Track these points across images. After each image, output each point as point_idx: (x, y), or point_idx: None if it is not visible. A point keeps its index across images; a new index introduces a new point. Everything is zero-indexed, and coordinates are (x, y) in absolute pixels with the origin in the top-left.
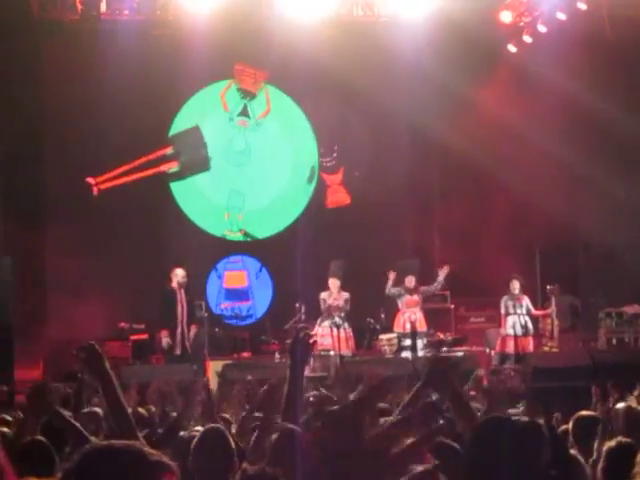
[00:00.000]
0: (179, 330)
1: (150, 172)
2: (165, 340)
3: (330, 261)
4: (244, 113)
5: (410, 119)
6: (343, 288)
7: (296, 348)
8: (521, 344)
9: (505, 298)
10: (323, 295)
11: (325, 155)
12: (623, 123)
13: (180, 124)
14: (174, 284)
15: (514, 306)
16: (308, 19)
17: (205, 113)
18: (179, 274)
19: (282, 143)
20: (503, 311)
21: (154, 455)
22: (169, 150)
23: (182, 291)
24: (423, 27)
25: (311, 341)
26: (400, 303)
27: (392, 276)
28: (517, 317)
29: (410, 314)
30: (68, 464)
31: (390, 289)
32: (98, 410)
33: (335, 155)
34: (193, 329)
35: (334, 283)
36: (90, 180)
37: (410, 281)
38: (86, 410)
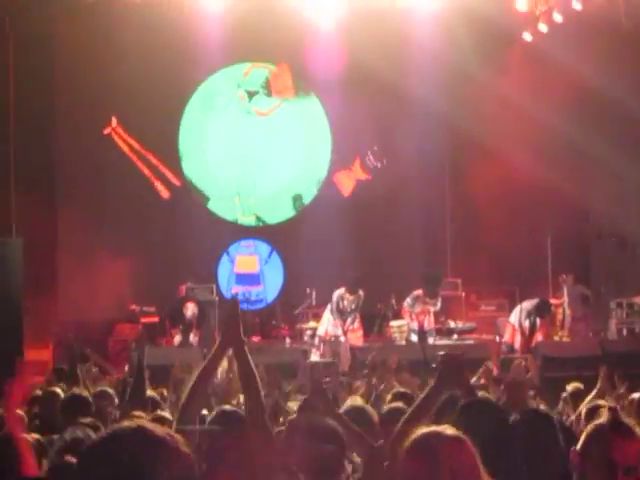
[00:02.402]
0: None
1: (150, 176)
2: (177, 338)
3: (340, 247)
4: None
5: (425, 105)
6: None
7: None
8: (529, 341)
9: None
10: (337, 297)
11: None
12: (637, 110)
13: (194, 106)
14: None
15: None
16: (321, 6)
17: (219, 96)
18: (189, 311)
19: (296, 130)
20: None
21: (173, 439)
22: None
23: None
24: (440, 14)
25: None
26: (412, 309)
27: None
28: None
29: (419, 314)
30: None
31: (405, 305)
32: (109, 390)
33: (373, 151)
34: (197, 335)
35: (353, 296)
36: (110, 127)
37: (429, 301)
38: (99, 389)
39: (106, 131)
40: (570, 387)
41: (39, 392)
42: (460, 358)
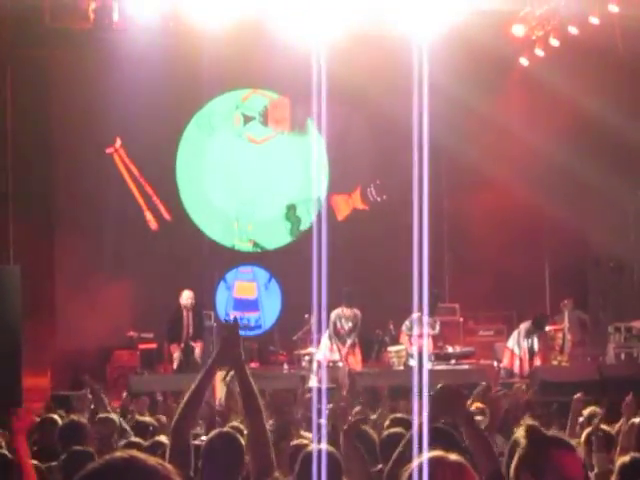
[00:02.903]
0: (182, 345)
1: (142, 205)
2: (176, 355)
3: (338, 273)
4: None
5: (422, 132)
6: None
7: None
8: (525, 367)
9: (517, 334)
10: (334, 317)
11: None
12: (635, 136)
13: (191, 134)
14: (182, 309)
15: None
16: (320, 34)
17: (216, 117)
18: (184, 297)
19: (292, 155)
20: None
21: (164, 469)
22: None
23: (190, 313)
24: (435, 40)
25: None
26: (411, 332)
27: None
28: (526, 340)
29: (417, 338)
30: (91, 466)
31: (404, 329)
32: (114, 416)
33: (376, 185)
34: (198, 345)
35: (350, 312)
36: (113, 147)
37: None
38: (102, 415)
39: (108, 150)
40: (587, 411)
41: (37, 419)
42: (458, 390)
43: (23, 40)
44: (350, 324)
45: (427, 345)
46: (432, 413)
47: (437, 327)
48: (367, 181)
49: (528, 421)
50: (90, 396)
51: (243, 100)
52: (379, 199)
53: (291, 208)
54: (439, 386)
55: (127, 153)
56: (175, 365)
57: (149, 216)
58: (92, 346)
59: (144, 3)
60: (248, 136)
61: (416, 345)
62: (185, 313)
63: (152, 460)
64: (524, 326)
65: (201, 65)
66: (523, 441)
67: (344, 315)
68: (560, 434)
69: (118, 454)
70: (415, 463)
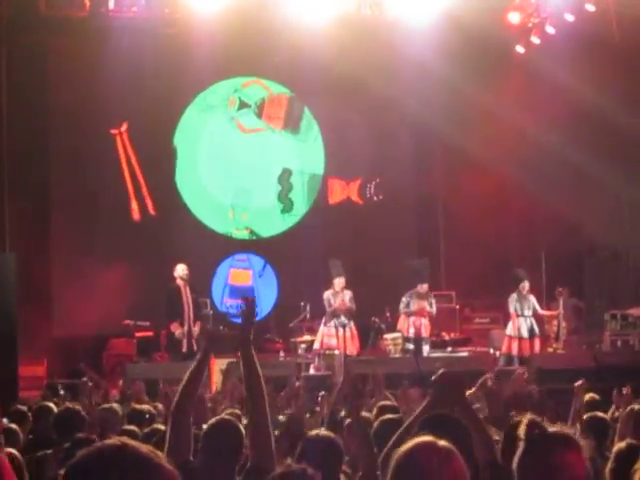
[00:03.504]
0: (185, 327)
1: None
2: (179, 332)
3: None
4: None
5: (417, 119)
6: (346, 286)
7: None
8: (526, 347)
9: (514, 298)
10: (327, 295)
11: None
12: (630, 124)
13: (187, 122)
14: (178, 281)
15: (522, 307)
16: (315, 18)
17: (212, 111)
18: (180, 269)
19: (288, 144)
20: (512, 310)
21: (156, 457)
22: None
23: (187, 287)
24: (431, 27)
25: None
26: (409, 308)
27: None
28: (524, 319)
29: (415, 319)
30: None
31: (401, 307)
32: (116, 406)
33: (376, 183)
34: (198, 326)
35: (340, 282)
36: (119, 129)
37: (423, 288)
38: (106, 406)
39: (113, 131)
40: (586, 397)
41: (33, 407)
42: (459, 376)
43: (19, 27)
44: (346, 298)
45: (424, 325)
46: (432, 400)
47: (434, 305)
48: (367, 173)
49: (529, 416)
50: (91, 384)
51: (243, 86)
52: (375, 198)
53: (286, 172)
54: (440, 372)
55: (130, 138)
56: (184, 347)
57: (134, 206)
58: (88, 334)
59: None
60: (237, 122)
61: (413, 327)
62: (182, 286)
63: (144, 447)
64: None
65: (198, 53)
66: (524, 438)
67: (336, 285)
68: (564, 430)
69: (110, 441)
70: (403, 448)
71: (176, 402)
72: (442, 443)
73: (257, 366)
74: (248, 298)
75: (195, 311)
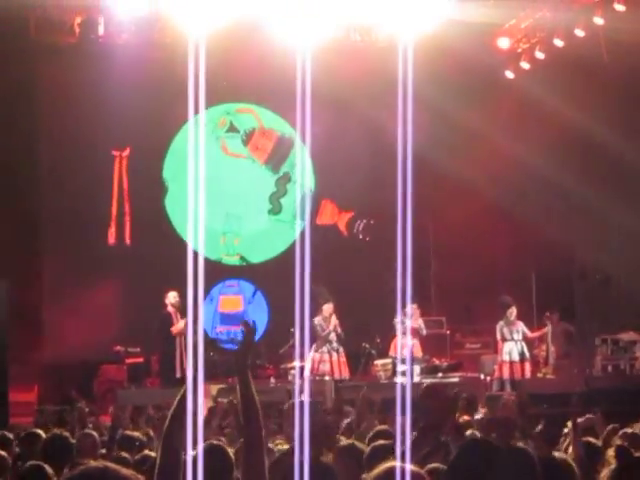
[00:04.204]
0: (178, 353)
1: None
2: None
3: (325, 286)
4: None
5: (405, 144)
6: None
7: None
8: (517, 370)
9: (501, 324)
10: (318, 321)
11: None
12: (619, 149)
13: (177, 147)
14: (169, 308)
15: (510, 332)
16: (305, 44)
17: (201, 138)
18: (171, 297)
19: (266, 178)
20: (499, 337)
21: (130, 476)
22: None
23: (178, 315)
24: (420, 52)
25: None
26: (400, 329)
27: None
28: (514, 343)
29: (407, 340)
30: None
31: (396, 323)
32: (94, 433)
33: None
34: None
35: (329, 308)
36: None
37: (412, 308)
38: (86, 431)
39: (115, 153)
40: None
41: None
42: (445, 392)
43: (8, 53)
44: (333, 322)
45: (415, 346)
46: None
47: (424, 329)
48: (360, 206)
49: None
50: (87, 409)
51: (237, 111)
52: (361, 236)
53: (285, 176)
54: (424, 386)
55: (128, 164)
56: (177, 372)
57: (112, 230)
58: (79, 360)
59: (129, 17)
60: (223, 143)
61: (407, 348)
62: (174, 313)
63: (125, 470)
64: (502, 323)
65: (188, 78)
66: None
67: (324, 312)
68: None
69: (93, 464)
70: (375, 471)
71: (166, 427)
72: (413, 468)
73: (254, 391)
74: (248, 323)
75: (186, 338)
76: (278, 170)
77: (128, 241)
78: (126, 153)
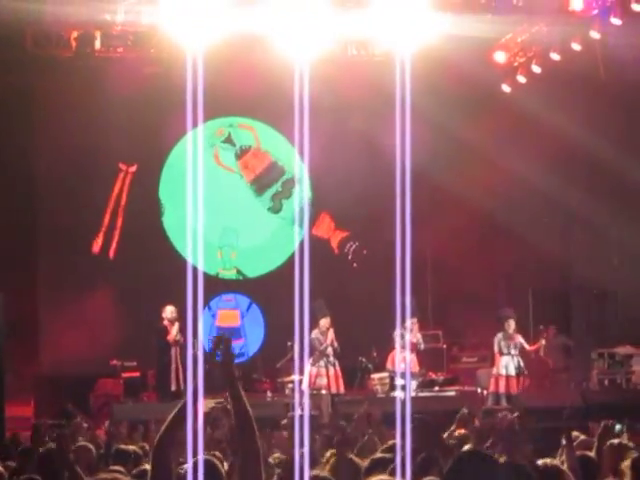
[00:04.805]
0: (173, 367)
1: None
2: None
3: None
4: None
5: (403, 158)
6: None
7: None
8: (513, 385)
9: (499, 337)
10: (316, 334)
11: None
12: (616, 162)
13: (174, 162)
14: (165, 322)
15: (508, 346)
16: (302, 58)
17: (199, 151)
18: (168, 311)
19: (284, 163)
20: (497, 349)
21: None
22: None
23: (174, 328)
24: (417, 66)
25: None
26: (400, 343)
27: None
28: (510, 357)
29: (405, 355)
30: None
31: (395, 336)
32: (90, 445)
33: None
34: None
35: (326, 322)
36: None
37: (411, 323)
38: (81, 444)
39: (122, 166)
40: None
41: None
42: (432, 421)
43: (4, 67)
44: (330, 335)
45: (412, 361)
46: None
47: (422, 343)
48: (355, 227)
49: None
50: (85, 425)
51: (238, 125)
52: (350, 257)
53: (291, 180)
54: (415, 417)
55: (131, 183)
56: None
57: (99, 240)
58: (75, 374)
59: (125, 31)
60: (216, 151)
61: (402, 363)
62: (170, 328)
63: None
64: (499, 336)
65: (185, 93)
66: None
67: (321, 327)
68: None
69: (102, 475)
70: None
71: (157, 440)
72: None
73: (245, 401)
74: (219, 338)
75: (181, 348)
76: (262, 193)
77: (112, 254)
78: (133, 169)
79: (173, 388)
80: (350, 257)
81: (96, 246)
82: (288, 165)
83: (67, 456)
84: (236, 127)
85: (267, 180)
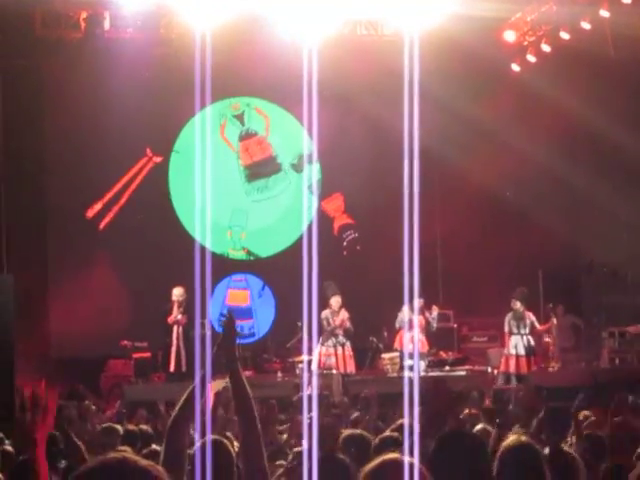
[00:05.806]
0: (174, 348)
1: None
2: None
3: (333, 281)
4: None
5: (412, 138)
6: (342, 305)
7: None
8: (523, 364)
9: (509, 316)
10: (326, 314)
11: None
12: (625, 142)
13: (184, 142)
14: (173, 303)
15: (518, 326)
16: (311, 38)
17: (208, 132)
18: (177, 293)
19: (283, 161)
20: (507, 329)
21: (156, 470)
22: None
23: (180, 309)
24: (427, 46)
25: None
26: (408, 323)
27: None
28: (520, 337)
29: (414, 334)
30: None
31: (401, 321)
32: (117, 426)
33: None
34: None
35: (337, 301)
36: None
37: (419, 302)
38: (105, 425)
39: (149, 153)
40: (581, 416)
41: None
42: (447, 386)
43: (14, 49)
44: (342, 317)
45: (421, 340)
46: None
47: (434, 324)
48: (360, 213)
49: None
50: (94, 407)
51: (255, 108)
52: (344, 244)
53: (302, 157)
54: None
55: (150, 169)
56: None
57: (97, 207)
58: (86, 355)
59: (135, 12)
60: (224, 121)
61: (410, 344)
62: (176, 309)
63: (144, 461)
64: (510, 315)
65: (195, 73)
66: None
67: (331, 305)
68: None
69: (111, 455)
70: (372, 463)
71: (171, 421)
72: (409, 459)
73: (247, 387)
74: (230, 316)
75: (185, 333)
76: (250, 181)
77: (102, 225)
78: (158, 159)
79: (172, 369)
80: (345, 244)
81: (91, 211)
82: (287, 166)
83: (70, 436)
84: (252, 108)
85: (260, 170)
